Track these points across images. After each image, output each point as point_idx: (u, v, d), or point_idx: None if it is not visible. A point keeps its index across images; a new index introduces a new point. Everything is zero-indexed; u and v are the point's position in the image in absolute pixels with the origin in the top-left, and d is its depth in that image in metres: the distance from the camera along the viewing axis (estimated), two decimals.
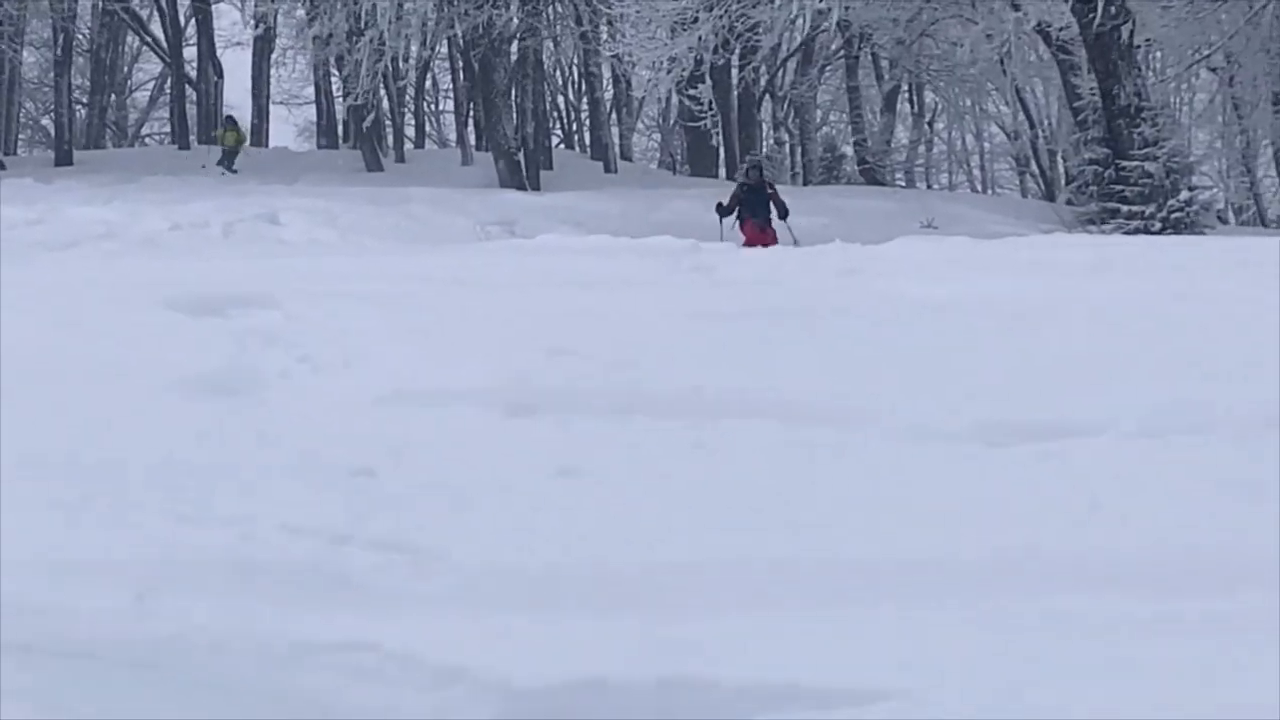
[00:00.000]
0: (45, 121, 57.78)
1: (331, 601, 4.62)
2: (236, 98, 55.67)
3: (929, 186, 55.47)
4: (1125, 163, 26.94)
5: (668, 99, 37.60)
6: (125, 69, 62.41)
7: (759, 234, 23.61)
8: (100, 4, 51.38)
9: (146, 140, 64.93)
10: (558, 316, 9.64)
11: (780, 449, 6.66)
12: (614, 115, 53.98)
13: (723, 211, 24.12)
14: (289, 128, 65.82)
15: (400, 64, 39.89)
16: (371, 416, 7.26)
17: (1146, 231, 25.40)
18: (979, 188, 60.18)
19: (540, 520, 5.52)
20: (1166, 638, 4.23)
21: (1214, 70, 37.91)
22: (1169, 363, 8.12)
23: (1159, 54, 37.96)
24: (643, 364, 8.19)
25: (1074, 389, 7.58)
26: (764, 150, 46.89)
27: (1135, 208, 26.92)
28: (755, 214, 24.00)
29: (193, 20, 53.21)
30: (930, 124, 56.35)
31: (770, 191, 24.43)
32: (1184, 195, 27.35)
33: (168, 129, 59.58)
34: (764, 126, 51.58)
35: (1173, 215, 26.74)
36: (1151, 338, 8.88)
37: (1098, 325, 9.37)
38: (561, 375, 8.01)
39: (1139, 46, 30.08)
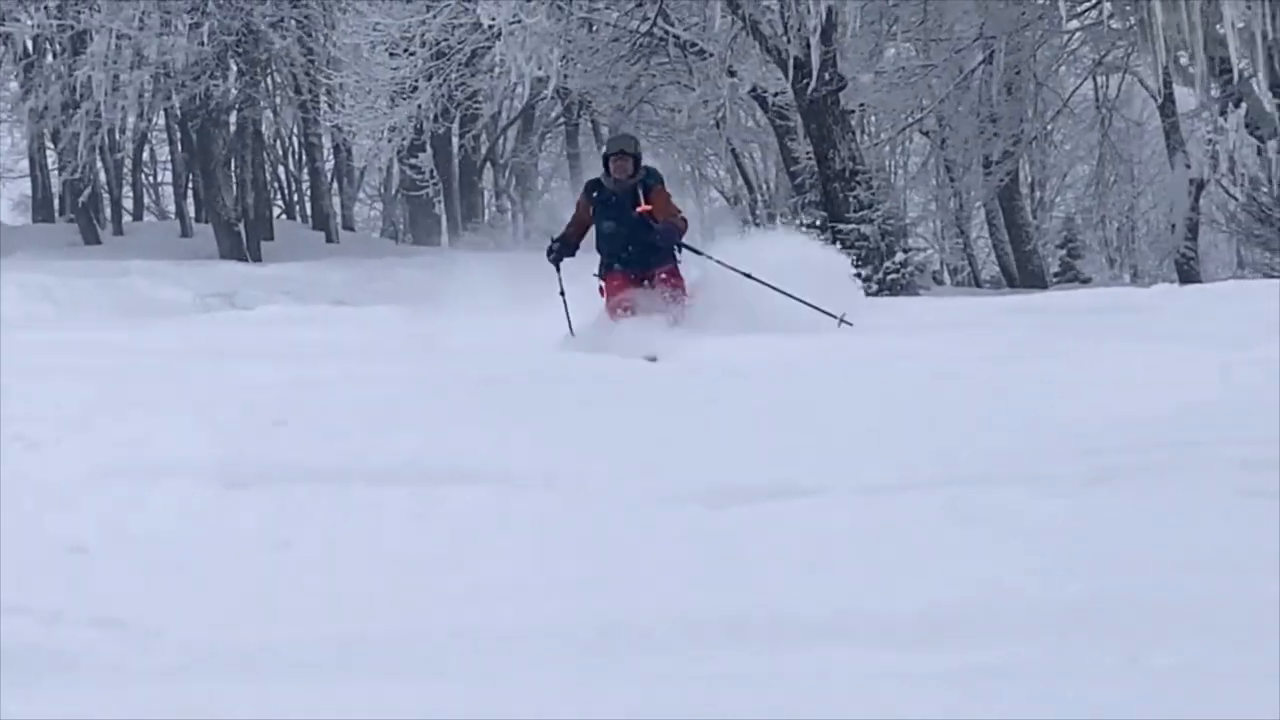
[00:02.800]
0: None
1: (49, 680, 4.51)
2: None
3: None
4: (842, 226, 27.34)
5: (389, 168, 37.46)
6: None
7: (635, 285, 13.74)
8: None
9: None
10: (276, 387, 9.52)
11: (496, 516, 6.64)
12: (335, 185, 53.55)
13: (557, 252, 13.89)
14: (3, 202, 64.27)
15: (117, 136, 39.23)
16: (88, 491, 7.09)
17: (864, 294, 25.78)
18: None
19: (258, 593, 5.45)
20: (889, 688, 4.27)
21: (926, 134, 38.76)
22: (884, 421, 8.27)
23: (873, 118, 38.67)
24: (358, 434, 8.11)
25: (795, 450, 7.67)
26: (486, 218, 46.89)
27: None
28: (624, 249, 13.74)
29: None
30: None
31: (645, 202, 13.66)
32: (899, 257, 27.88)
33: None
34: (485, 194, 51.56)
35: (889, 277, 27.20)
36: (870, 396, 9.06)
37: (817, 385, 9.55)
38: (280, 446, 7.91)
39: (853, 111, 30.65)
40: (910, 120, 36.11)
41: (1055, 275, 39.63)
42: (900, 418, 8.30)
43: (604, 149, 14.80)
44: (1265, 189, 27.80)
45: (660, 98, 39.65)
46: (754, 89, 30.89)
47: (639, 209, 13.66)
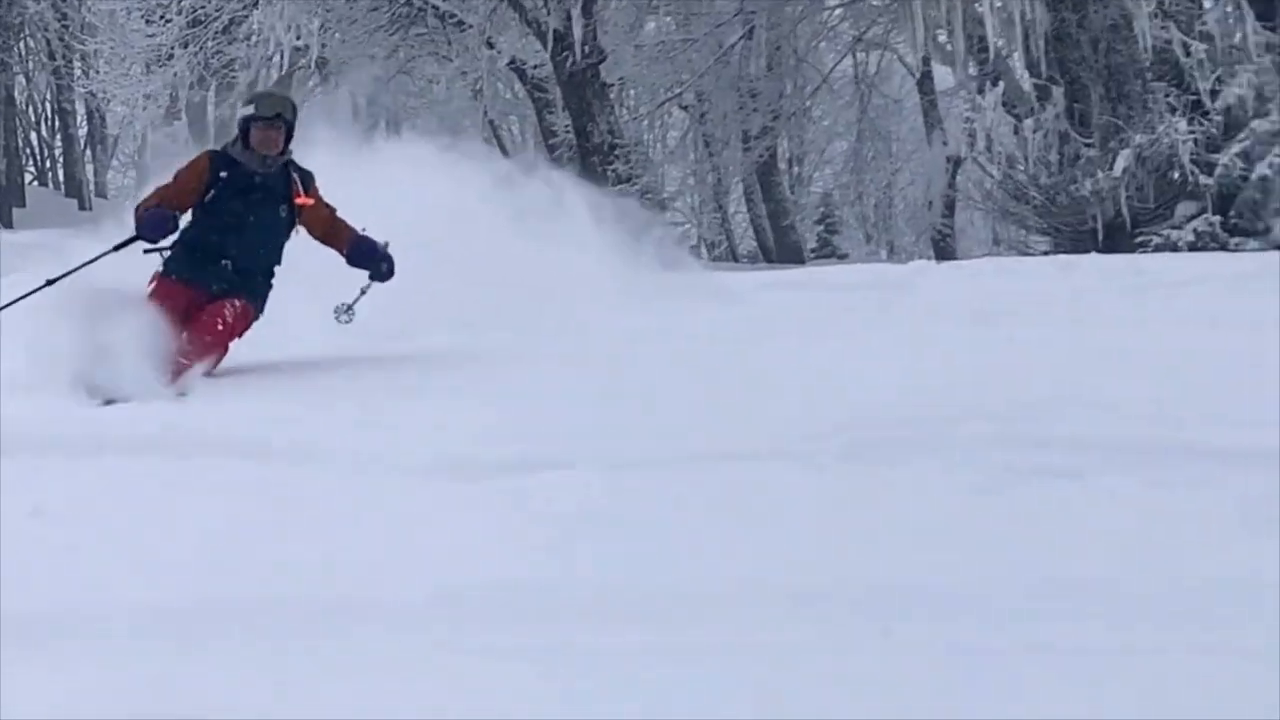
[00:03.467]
0: None
1: None
2: None
3: None
4: (603, 200, 27.29)
5: (144, 136, 36.72)
6: None
7: (196, 308, 9.96)
8: None
9: None
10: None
11: (247, 486, 6.52)
12: (89, 152, 52.66)
13: (146, 228, 9.98)
14: None
15: None
16: None
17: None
18: None
19: (11, 560, 5.30)
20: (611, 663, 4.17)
21: (686, 108, 38.86)
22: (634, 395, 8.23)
23: (632, 92, 38.74)
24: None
25: (549, 426, 7.62)
26: None
27: None
28: (232, 253, 10.09)
29: None
30: None
31: (303, 191, 10.30)
32: (657, 231, 27.88)
33: None
34: None
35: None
36: (625, 373, 9.01)
37: (576, 363, 9.52)
38: (32, 414, 7.80)
39: (612, 85, 30.65)
40: (669, 94, 36.18)
41: (812, 251, 40.02)
42: (655, 394, 8.26)
43: (247, 108, 10.40)
44: (1021, 167, 28.22)
45: (419, 69, 39.33)
46: (513, 61, 30.78)
47: (298, 200, 10.21)
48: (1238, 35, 26.65)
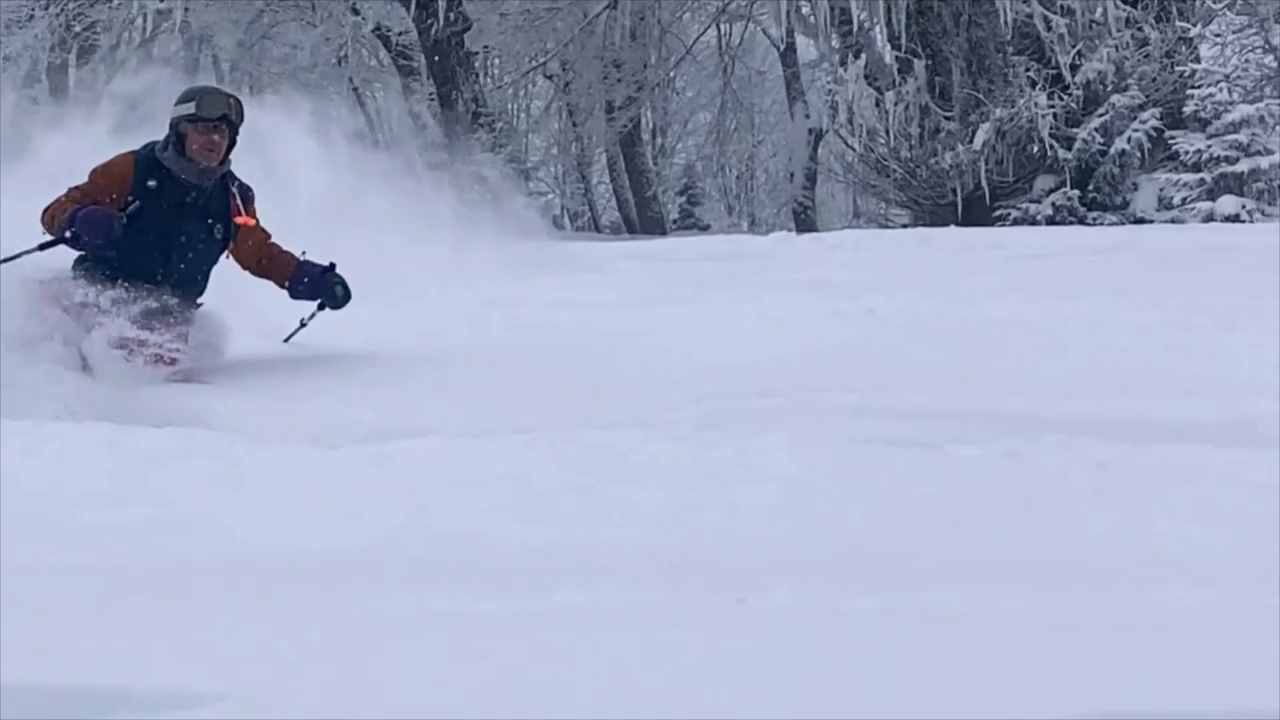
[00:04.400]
0: None
1: None
2: None
3: None
4: (465, 169, 27.24)
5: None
6: None
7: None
8: None
9: None
10: None
11: (99, 448, 6.39)
12: None
13: (89, 229, 8.40)
14: None
15: None
16: None
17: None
18: None
19: None
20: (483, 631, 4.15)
21: (550, 77, 38.80)
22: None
23: (497, 60, 38.61)
24: None
25: (412, 396, 7.59)
26: None
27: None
28: (159, 275, 8.71)
29: None
30: None
31: (243, 209, 8.86)
32: (519, 201, 27.87)
33: None
34: None
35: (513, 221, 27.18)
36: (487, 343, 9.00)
37: (437, 337, 9.48)
38: None
39: (477, 53, 30.56)
40: (534, 64, 36.12)
41: (675, 222, 40.13)
42: (512, 366, 8.23)
43: (185, 106, 8.70)
44: (882, 140, 28.41)
45: (283, 35, 39.01)
46: (377, 28, 30.57)
47: (237, 220, 8.79)
48: (1098, 10, 26.95)
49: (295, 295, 8.93)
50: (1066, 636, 3.98)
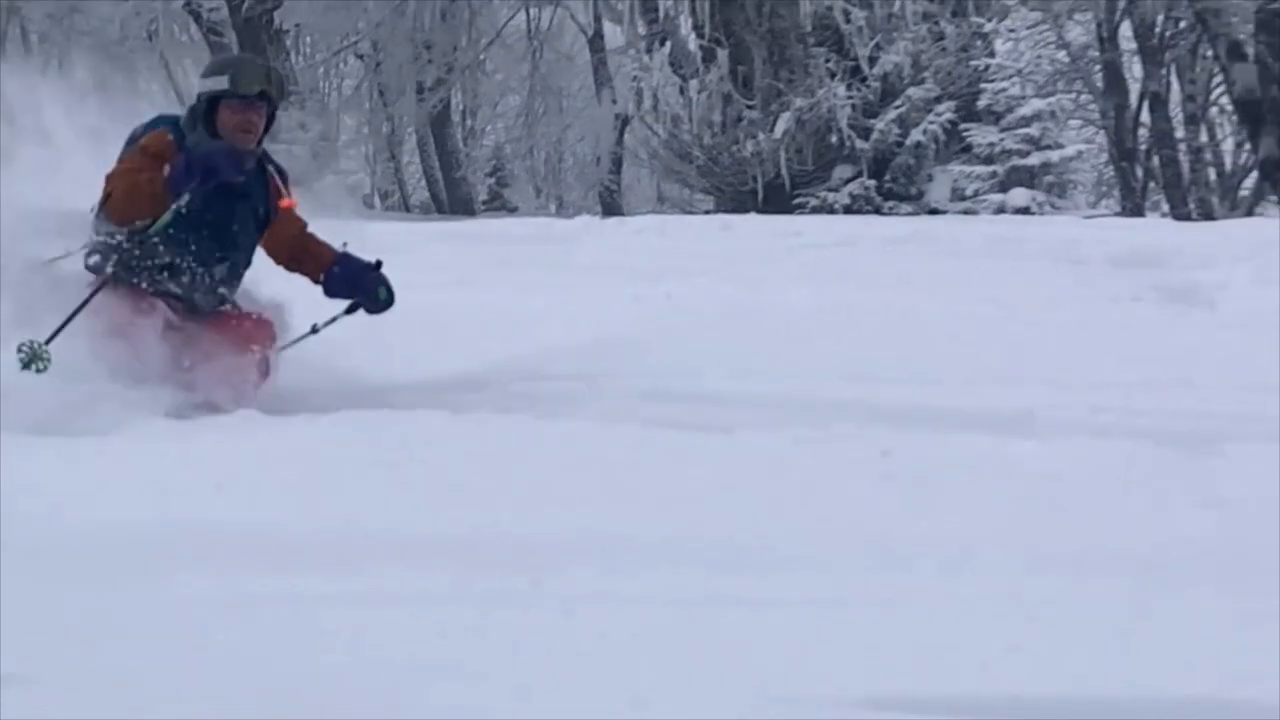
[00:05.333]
0: None
1: None
2: None
3: None
4: (276, 147, 27.04)
5: None
6: None
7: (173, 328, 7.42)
8: None
9: None
10: None
11: None
12: None
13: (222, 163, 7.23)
14: None
15: None
16: None
17: None
18: None
19: None
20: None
21: (361, 57, 38.56)
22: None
23: (308, 39, 38.27)
24: None
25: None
26: None
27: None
28: (210, 261, 7.54)
29: None
30: None
31: (283, 194, 7.71)
32: (329, 179, 27.78)
33: None
34: None
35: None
36: None
37: None
38: None
39: (288, 31, 30.36)
40: (345, 43, 35.92)
41: (484, 203, 40.04)
42: (316, 343, 8.22)
43: (216, 79, 7.50)
44: (686, 127, 28.65)
45: (93, 8, 38.43)
46: (188, 3, 30.28)
47: (282, 203, 7.73)
48: (896, 3, 27.37)
49: (330, 292, 7.81)
50: (840, 616, 4.17)
